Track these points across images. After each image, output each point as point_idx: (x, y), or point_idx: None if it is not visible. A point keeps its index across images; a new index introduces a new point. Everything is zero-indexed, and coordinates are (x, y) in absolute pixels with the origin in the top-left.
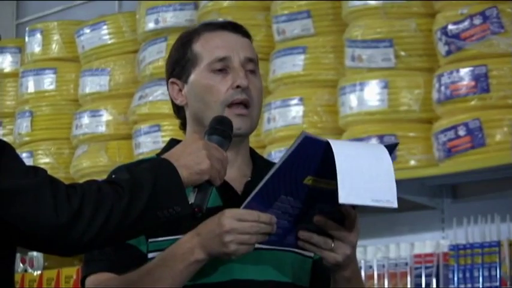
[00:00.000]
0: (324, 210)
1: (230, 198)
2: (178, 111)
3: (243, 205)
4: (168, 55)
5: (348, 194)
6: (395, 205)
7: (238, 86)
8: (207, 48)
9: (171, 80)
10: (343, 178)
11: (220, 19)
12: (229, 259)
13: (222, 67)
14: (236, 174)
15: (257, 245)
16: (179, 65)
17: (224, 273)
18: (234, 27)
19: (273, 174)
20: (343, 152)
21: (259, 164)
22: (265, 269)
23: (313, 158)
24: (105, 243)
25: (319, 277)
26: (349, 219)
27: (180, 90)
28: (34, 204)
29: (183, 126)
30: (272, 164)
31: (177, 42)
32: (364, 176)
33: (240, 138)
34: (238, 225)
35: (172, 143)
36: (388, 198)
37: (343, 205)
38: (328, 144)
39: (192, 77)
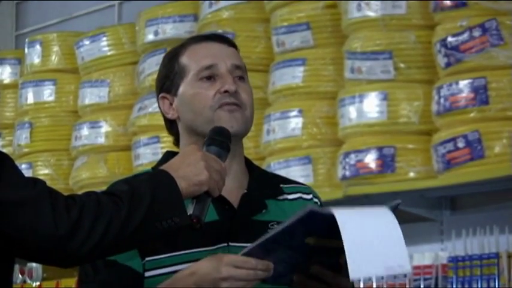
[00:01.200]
0: (322, 260)
1: (226, 211)
2: (171, 126)
3: (242, 252)
4: (158, 72)
5: (358, 268)
6: (408, 270)
7: (226, 91)
8: (194, 58)
9: (161, 95)
10: (352, 253)
11: (220, 31)
12: None
13: (210, 75)
14: (232, 185)
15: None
16: (168, 79)
17: None
18: (219, 38)
19: (273, 236)
20: (348, 224)
21: (255, 174)
22: (264, 282)
23: (317, 224)
24: (104, 254)
25: None
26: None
27: (171, 104)
28: (33, 216)
29: (176, 142)
30: (269, 174)
31: (165, 58)
32: (373, 245)
33: (234, 140)
34: (236, 272)
35: (168, 155)
36: (401, 263)
37: (342, 258)
38: (329, 217)
39: (181, 89)
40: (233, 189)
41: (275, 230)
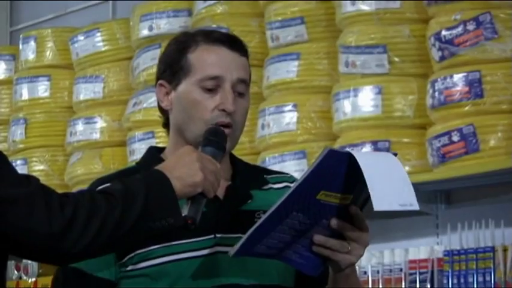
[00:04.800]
0: (326, 226)
1: (212, 202)
2: (163, 111)
3: (258, 223)
4: (162, 53)
5: (380, 202)
6: (417, 208)
7: (224, 110)
8: (202, 62)
9: (160, 81)
10: (374, 187)
11: (214, 26)
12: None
13: (213, 86)
14: None
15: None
16: (171, 70)
17: (210, 279)
18: (232, 44)
19: (294, 191)
20: (366, 162)
21: (239, 167)
22: (250, 272)
23: (330, 172)
24: (97, 253)
25: (305, 276)
26: (359, 220)
27: (167, 93)
28: (27, 213)
29: (166, 126)
30: (252, 166)
31: (173, 45)
32: (388, 183)
33: None
34: None
35: (152, 150)
36: (411, 202)
37: (351, 208)
38: (346, 156)
39: (181, 87)
40: None
41: (295, 184)
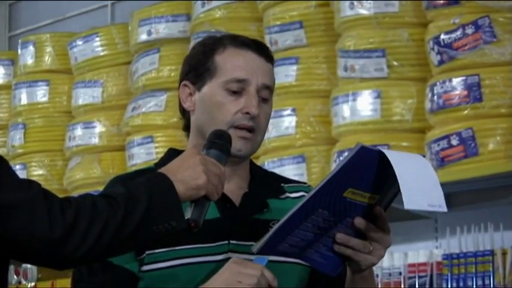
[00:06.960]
0: (349, 225)
1: (227, 210)
2: (184, 112)
3: (283, 220)
4: (188, 55)
5: (411, 200)
6: (445, 209)
7: (247, 113)
8: (229, 64)
9: (183, 82)
10: (405, 185)
11: (213, 30)
12: None
13: (238, 89)
14: (234, 186)
15: (272, 258)
16: (196, 71)
17: None
18: (259, 49)
19: (323, 186)
20: (397, 161)
21: (257, 175)
22: None
23: (359, 169)
24: (99, 257)
25: (318, 282)
26: (382, 221)
27: (191, 94)
28: (28, 218)
29: (186, 128)
30: (270, 174)
31: (200, 47)
32: (418, 183)
33: (239, 159)
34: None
35: (171, 152)
36: (439, 203)
37: (376, 208)
38: (376, 154)
39: (205, 88)
40: (234, 189)
41: (324, 179)
